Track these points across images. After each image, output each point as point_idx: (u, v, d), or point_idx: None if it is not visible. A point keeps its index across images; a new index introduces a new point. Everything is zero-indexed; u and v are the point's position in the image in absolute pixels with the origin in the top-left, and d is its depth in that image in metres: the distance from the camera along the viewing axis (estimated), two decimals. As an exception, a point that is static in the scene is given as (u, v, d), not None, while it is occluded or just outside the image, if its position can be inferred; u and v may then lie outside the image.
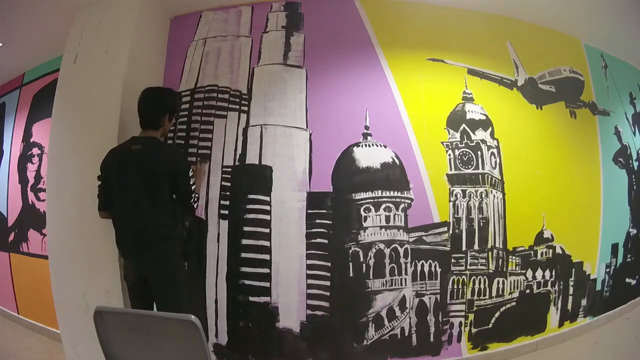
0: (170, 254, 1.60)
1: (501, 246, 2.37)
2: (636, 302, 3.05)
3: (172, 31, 2.45)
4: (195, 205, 1.69)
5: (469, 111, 2.45)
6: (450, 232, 2.27)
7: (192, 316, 0.93)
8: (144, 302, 1.60)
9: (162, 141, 1.73)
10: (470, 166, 2.37)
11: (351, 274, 2.16)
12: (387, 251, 2.18)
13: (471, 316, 2.27)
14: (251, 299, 2.11)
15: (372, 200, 2.21)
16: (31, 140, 3.09)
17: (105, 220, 1.69)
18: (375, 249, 2.18)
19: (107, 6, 2.13)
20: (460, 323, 2.25)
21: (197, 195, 1.69)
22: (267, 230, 2.15)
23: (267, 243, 2.14)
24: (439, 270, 2.23)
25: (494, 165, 2.43)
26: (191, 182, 1.64)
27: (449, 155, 2.36)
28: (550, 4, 2.51)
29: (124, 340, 1.05)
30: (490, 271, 2.32)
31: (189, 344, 0.95)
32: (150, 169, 1.56)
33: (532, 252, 2.46)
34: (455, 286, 2.25)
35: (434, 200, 2.27)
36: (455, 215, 2.30)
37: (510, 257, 2.39)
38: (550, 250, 2.52)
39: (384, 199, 2.22)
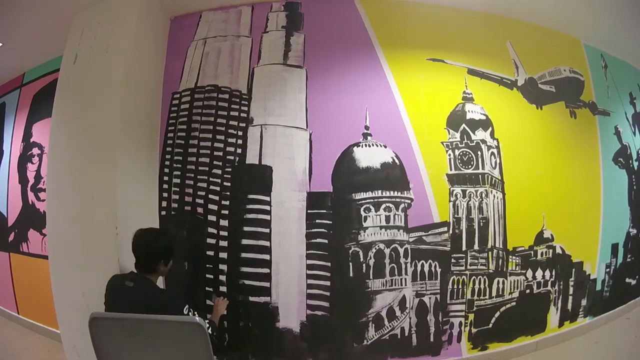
0: None
1: (501, 246, 2.37)
2: (636, 302, 3.05)
3: (172, 31, 2.45)
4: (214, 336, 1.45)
5: (469, 111, 2.45)
6: (450, 232, 2.27)
7: (197, 318, 0.93)
8: None
9: (154, 284, 1.56)
10: (470, 166, 2.37)
11: (351, 274, 2.16)
12: (387, 251, 2.18)
13: (471, 316, 2.27)
14: (251, 299, 2.11)
15: (372, 200, 2.21)
16: (31, 140, 3.09)
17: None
18: (375, 249, 2.18)
19: (107, 6, 2.13)
20: (460, 323, 2.25)
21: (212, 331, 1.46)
22: (267, 230, 2.15)
23: (267, 243, 2.14)
24: (439, 270, 2.23)
25: (494, 165, 2.43)
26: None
27: (449, 155, 2.36)
28: (550, 4, 2.51)
29: (123, 346, 1.04)
30: (490, 271, 2.32)
31: (192, 345, 0.95)
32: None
33: (532, 252, 2.46)
34: (455, 286, 2.25)
35: (434, 200, 2.27)
36: (455, 215, 2.30)
37: (510, 257, 2.39)
38: (550, 250, 2.52)
39: (384, 199, 2.22)
